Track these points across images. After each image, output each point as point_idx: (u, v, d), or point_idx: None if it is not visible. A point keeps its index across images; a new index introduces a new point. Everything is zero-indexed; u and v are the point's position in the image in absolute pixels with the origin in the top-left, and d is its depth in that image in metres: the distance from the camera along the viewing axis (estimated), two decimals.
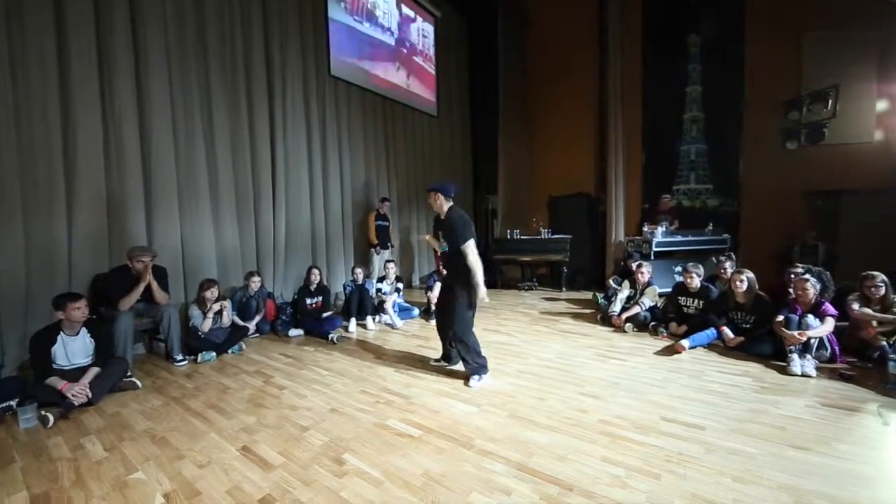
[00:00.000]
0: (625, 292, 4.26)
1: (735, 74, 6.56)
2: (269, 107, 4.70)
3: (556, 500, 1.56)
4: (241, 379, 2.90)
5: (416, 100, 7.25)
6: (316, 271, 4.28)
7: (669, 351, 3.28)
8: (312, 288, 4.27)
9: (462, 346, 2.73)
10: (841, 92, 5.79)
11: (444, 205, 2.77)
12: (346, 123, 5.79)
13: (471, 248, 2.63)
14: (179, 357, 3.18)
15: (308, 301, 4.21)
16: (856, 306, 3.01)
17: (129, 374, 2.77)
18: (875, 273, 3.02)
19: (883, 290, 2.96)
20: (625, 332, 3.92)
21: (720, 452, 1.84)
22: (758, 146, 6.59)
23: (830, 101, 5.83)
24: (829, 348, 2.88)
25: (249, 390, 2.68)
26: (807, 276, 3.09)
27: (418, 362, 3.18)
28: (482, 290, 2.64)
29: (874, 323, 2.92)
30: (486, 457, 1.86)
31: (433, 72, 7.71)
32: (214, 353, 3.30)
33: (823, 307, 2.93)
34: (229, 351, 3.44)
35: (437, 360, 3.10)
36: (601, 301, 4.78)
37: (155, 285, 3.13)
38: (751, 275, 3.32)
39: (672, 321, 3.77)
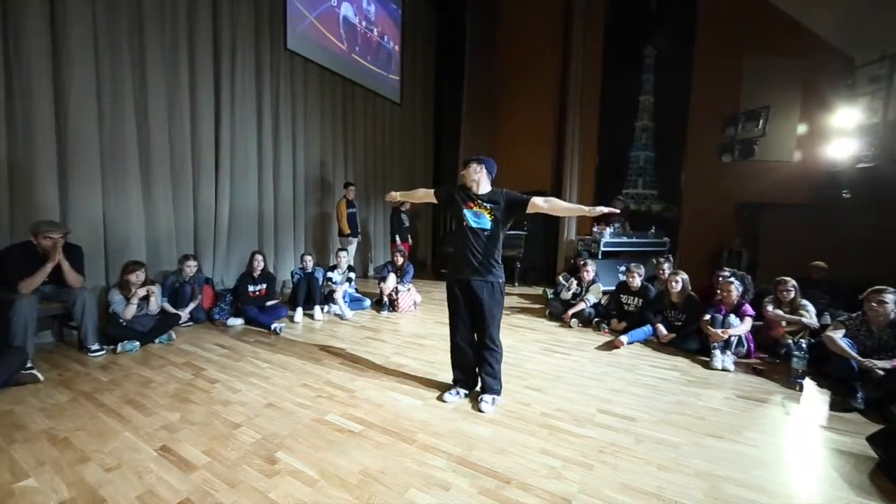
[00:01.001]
0: (571, 289, 4.42)
1: (683, 88, 6.99)
2: (214, 78, 4.32)
3: (493, 493, 1.57)
4: (167, 371, 2.65)
5: (380, 84, 7.02)
6: (259, 257, 4.02)
7: (609, 346, 3.45)
8: (256, 274, 4.02)
9: (493, 354, 2.29)
10: (771, 113, 6.35)
11: (482, 180, 2.30)
12: (303, 103, 5.47)
13: (541, 199, 2.26)
14: (94, 347, 2.85)
15: (250, 288, 3.96)
16: (770, 308, 3.34)
17: (28, 365, 2.43)
18: (787, 278, 3.36)
19: (793, 294, 3.29)
20: (571, 327, 4.07)
21: (648, 442, 1.95)
22: (698, 157, 7.10)
23: (761, 121, 6.39)
24: (745, 345, 3.17)
25: (175, 384, 2.46)
26: (731, 279, 3.36)
27: (365, 355, 3.09)
28: (595, 209, 2.20)
29: (783, 323, 3.25)
30: (428, 451, 1.84)
31: (399, 57, 7.49)
32: (138, 343, 3.00)
33: (743, 308, 3.21)
34: (156, 340, 3.14)
35: (457, 393, 2.37)
36: (550, 297, 4.93)
37: (66, 266, 2.77)
38: (685, 276, 3.57)
39: (614, 318, 3.97)
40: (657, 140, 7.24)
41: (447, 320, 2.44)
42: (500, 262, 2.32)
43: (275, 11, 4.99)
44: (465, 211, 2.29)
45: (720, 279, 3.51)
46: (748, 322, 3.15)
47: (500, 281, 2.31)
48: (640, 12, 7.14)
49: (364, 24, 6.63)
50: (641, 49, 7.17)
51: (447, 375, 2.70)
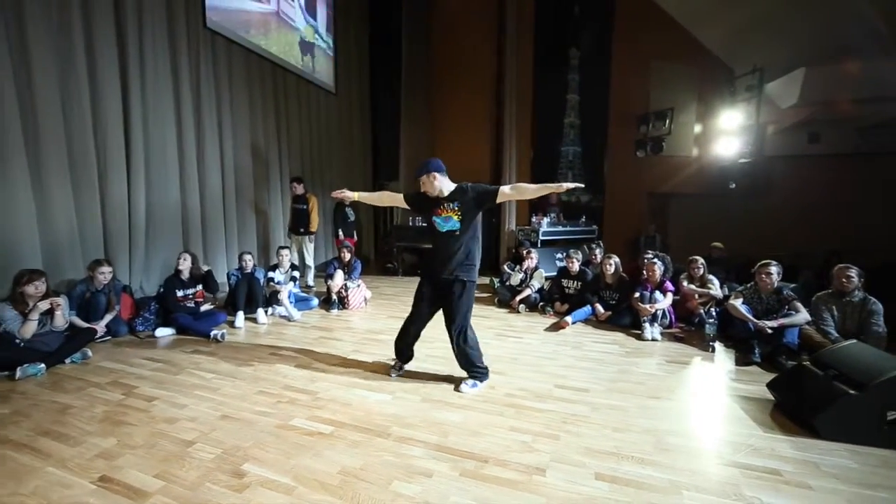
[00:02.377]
0: (517, 276, 4.67)
1: (603, 88, 7.67)
2: (119, 53, 3.73)
3: (474, 472, 1.64)
4: (89, 394, 2.30)
5: (314, 74, 6.64)
6: (187, 256, 3.63)
7: (556, 327, 3.72)
8: (185, 277, 3.62)
9: (468, 345, 2.40)
10: (675, 114, 7.24)
11: (442, 183, 2.31)
12: (228, 88, 4.98)
13: (508, 186, 2.36)
14: None
15: (180, 293, 3.56)
16: (685, 283, 3.86)
17: None
18: (696, 257, 3.92)
19: (702, 271, 3.85)
20: (519, 312, 4.31)
21: (603, 409, 2.17)
22: (618, 152, 7.86)
23: (668, 120, 7.25)
24: (668, 317, 3.64)
25: (103, 406, 2.15)
26: (655, 260, 3.82)
27: (322, 355, 2.97)
28: (562, 185, 2.24)
29: (696, 296, 3.78)
30: (404, 443, 1.85)
31: (332, 44, 7.14)
32: (43, 366, 2.54)
33: (665, 285, 3.67)
34: (67, 360, 2.69)
35: (398, 369, 2.62)
36: (497, 285, 5.15)
37: None
38: (617, 259, 3.97)
39: (557, 301, 4.28)
40: (583, 136, 7.88)
41: (402, 314, 2.50)
42: (474, 262, 2.39)
43: None
44: (435, 218, 2.37)
45: (645, 260, 3.95)
46: (669, 297, 3.61)
47: (472, 280, 2.39)
48: (565, 14, 7.65)
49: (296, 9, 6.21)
50: (567, 51, 7.71)
51: (410, 367, 2.72)
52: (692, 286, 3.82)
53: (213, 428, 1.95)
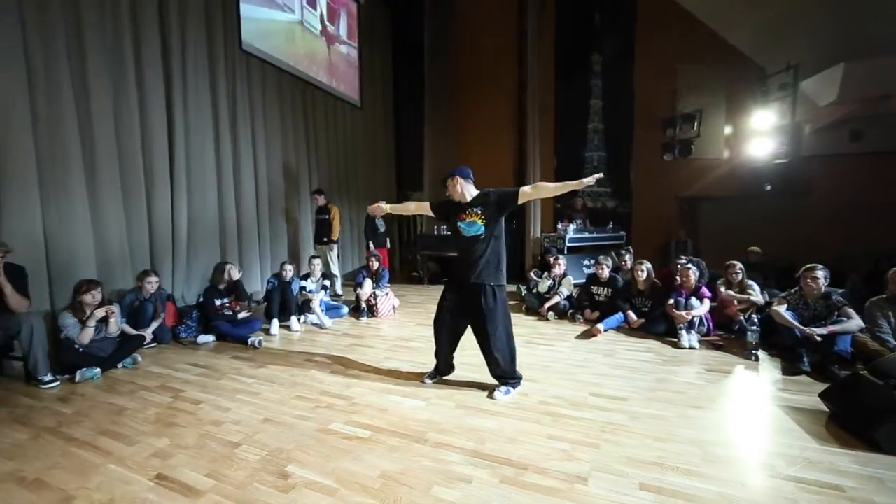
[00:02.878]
0: (545, 283, 4.62)
1: (627, 92, 7.57)
2: (164, 79, 3.99)
3: (513, 480, 1.63)
4: (141, 397, 2.43)
5: (340, 88, 6.87)
6: (229, 267, 3.79)
7: (587, 335, 3.66)
8: (222, 287, 3.78)
9: (506, 356, 2.42)
10: (704, 116, 7.06)
11: (466, 188, 2.39)
12: (262, 105, 5.23)
13: (529, 186, 2.38)
14: (47, 377, 2.54)
15: (217, 302, 3.71)
16: (722, 289, 3.72)
17: None
18: (735, 262, 3.77)
19: (740, 276, 3.70)
20: (547, 320, 4.26)
21: (642, 419, 2.11)
22: (644, 156, 7.72)
23: (696, 123, 7.08)
24: (706, 325, 3.51)
25: (155, 409, 2.27)
26: (689, 265, 3.70)
27: (355, 361, 3.03)
28: (582, 181, 2.22)
29: (735, 302, 3.64)
30: (441, 448, 1.86)
31: (357, 61, 7.39)
32: (99, 370, 2.71)
33: (701, 291, 3.55)
34: (119, 365, 2.86)
35: (432, 377, 2.62)
36: (524, 293, 5.11)
37: (9, 289, 2.45)
38: (649, 265, 3.88)
39: (587, 308, 4.21)
40: (608, 141, 7.76)
41: (426, 322, 2.54)
42: (502, 267, 2.40)
43: (228, 10, 4.74)
44: (459, 223, 2.42)
45: (679, 266, 3.84)
46: (707, 303, 3.49)
47: (501, 285, 2.40)
48: (586, 23, 7.64)
49: (322, 28, 6.48)
50: (589, 56, 7.67)
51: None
52: (730, 292, 3.68)
53: (257, 431, 2.02)
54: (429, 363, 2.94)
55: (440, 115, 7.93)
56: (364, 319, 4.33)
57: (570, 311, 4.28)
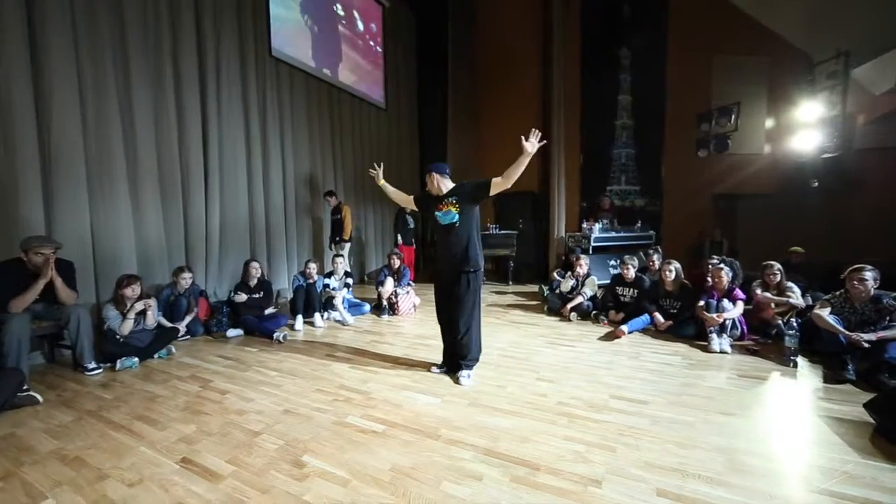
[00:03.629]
0: (568, 283, 4.52)
1: (658, 86, 7.28)
2: (200, 86, 4.23)
3: (525, 479, 1.60)
4: (173, 385, 2.58)
5: (365, 90, 7.02)
6: (255, 265, 3.95)
7: (611, 336, 3.54)
8: (252, 284, 3.94)
9: (470, 339, 2.58)
10: (741, 109, 6.68)
11: (441, 182, 2.60)
12: (290, 109, 5.42)
13: (500, 177, 2.46)
14: (91, 365, 2.74)
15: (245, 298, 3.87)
16: (759, 291, 3.50)
17: (25, 387, 2.32)
18: (773, 263, 3.54)
19: (778, 277, 3.47)
20: (570, 320, 4.16)
21: (664, 423, 2.03)
22: (676, 153, 7.39)
23: (733, 116, 6.71)
24: (739, 328, 3.32)
25: (184, 397, 2.40)
26: (721, 265, 3.52)
27: (374, 358, 3.08)
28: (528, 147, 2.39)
29: (773, 304, 3.42)
30: (454, 445, 1.85)
31: (381, 63, 7.52)
32: (137, 359, 2.90)
33: (735, 292, 3.36)
34: (155, 356, 3.04)
35: (440, 369, 2.74)
36: (547, 293, 5.02)
37: (59, 282, 2.66)
38: (678, 265, 3.71)
39: (611, 309, 4.08)
40: (637, 137, 7.50)
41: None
42: (472, 252, 2.54)
43: (258, 19, 4.95)
44: (437, 213, 2.61)
45: (710, 266, 3.65)
46: (740, 305, 3.30)
47: (474, 270, 2.55)
48: (614, 17, 7.42)
49: (348, 31, 6.63)
50: (617, 51, 7.44)
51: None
52: (767, 294, 3.46)
53: (277, 421, 2.09)
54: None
55: (462, 116, 7.92)
56: (385, 317, 4.39)
57: (594, 311, 4.17)
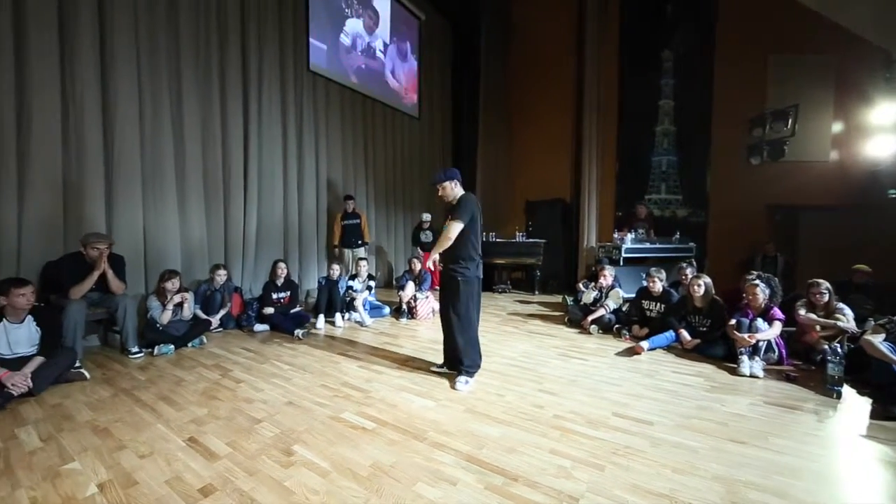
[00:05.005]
0: (591, 295, 4.36)
1: (705, 90, 6.85)
2: (243, 96, 4.63)
3: (500, 489, 1.58)
4: (198, 372, 2.82)
5: (398, 101, 7.27)
6: (282, 265, 4.21)
7: (630, 352, 3.37)
8: (279, 283, 4.20)
9: (459, 346, 2.63)
10: (800, 112, 6.10)
11: (453, 191, 2.67)
12: (325, 120, 5.75)
13: (453, 227, 2.53)
14: (135, 349, 3.07)
15: (274, 296, 4.13)
16: (802, 312, 3.17)
17: (77, 364, 2.65)
18: (820, 281, 3.19)
19: (827, 297, 3.12)
20: (590, 333, 4.00)
21: (665, 446, 1.90)
22: (724, 160, 6.88)
23: (790, 120, 6.15)
24: (776, 351, 3.02)
25: (205, 383, 2.61)
26: (756, 281, 3.23)
27: (384, 358, 3.16)
28: (435, 253, 2.65)
29: (818, 328, 3.08)
30: (438, 449, 1.87)
31: (416, 73, 7.75)
32: (172, 346, 3.20)
33: (772, 311, 3.07)
34: (189, 344, 3.34)
35: (440, 367, 2.86)
36: (570, 304, 4.86)
37: (111, 274, 3.02)
38: (708, 280, 3.46)
39: (635, 323, 3.87)
40: (679, 144, 7.08)
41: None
42: (459, 257, 2.61)
43: (298, 37, 5.32)
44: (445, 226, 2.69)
45: (746, 282, 3.37)
46: (777, 326, 3.00)
47: (456, 275, 2.61)
48: (656, 18, 7.10)
49: (383, 44, 6.93)
50: (659, 54, 7.11)
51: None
52: (812, 315, 3.12)
53: (278, 411, 2.22)
54: None
55: (494, 124, 7.94)
56: (403, 321, 4.48)
57: (616, 325, 3.98)
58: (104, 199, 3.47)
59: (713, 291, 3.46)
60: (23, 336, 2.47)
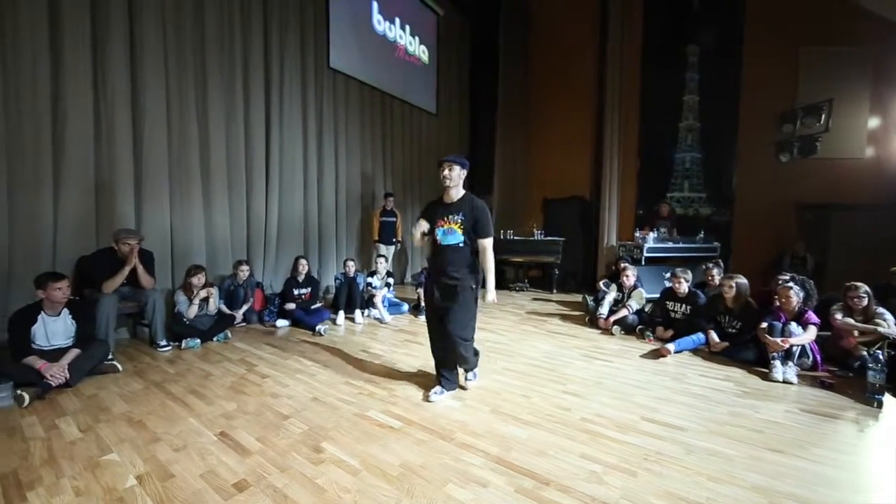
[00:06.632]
0: (612, 295, 4.28)
1: (732, 85, 6.63)
2: (265, 95, 4.68)
3: (531, 493, 1.56)
4: (224, 366, 2.87)
5: (416, 97, 7.24)
6: (303, 261, 4.25)
7: (655, 354, 3.30)
8: (300, 279, 4.25)
9: (465, 348, 2.35)
10: (834, 107, 5.85)
11: (458, 181, 2.33)
12: (344, 116, 5.77)
13: (491, 245, 2.35)
14: (163, 343, 3.14)
15: (295, 292, 4.18)
16: (839, 316, 3.05)
17: (110, 357, 2.73)
18: (858, 284, 3.06)
19: (865, 301, 2.99)
20: (612, 334, 3.94)
21: (699, 453, 1.85)
22: (752, 157, 6.66)
23: (824, 116, 5.91)
24: (811, 356, 2.91)
25: (231, 377, 2.66)
26: (790, 284, 3.12)
27: (405, 356, 3.17)
28: (493, 292, 2.39)
29: (856, 333, 2.96)
30: (465, 450, 1.86)
31: (435, 70, 7.71)
32: (199, 340, 3.27)
33: (806, 315, 2.96)
34: (214, 339, 3.40)
35: (439, 393, 2.40)
36: (591, 303, 4.79)
37: (141, 269, 3.09)
38: (742, 280, 3.34)
39: (659, 325, 3.79)
40: (704, 141, 6.88)
41: (481, 325, 2.60)
42: (473, 269, 2.35)
43: (319, 35, 5.34)
44: (437, 230, 2.35)
45: (780, 284, 3.25)
46: (812, 331, 2.89)
47: (474, 287, 2.35)
48: (681, 11, 6.89)
49: (401, 39, 6.90)
50: (684, 48, 6.90)
51: (483, 379, 2.72)
52: (849, 320, 3.00)
53: (305, 407, 2.24)
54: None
55: (512, 120, 7.84)
56: (422, 318, 4.47)
57: (640, 326, 3.90)
58: (133, 197, 3.55)
59: (748, 293, 3.35)
60: (59, 329, 2.55)
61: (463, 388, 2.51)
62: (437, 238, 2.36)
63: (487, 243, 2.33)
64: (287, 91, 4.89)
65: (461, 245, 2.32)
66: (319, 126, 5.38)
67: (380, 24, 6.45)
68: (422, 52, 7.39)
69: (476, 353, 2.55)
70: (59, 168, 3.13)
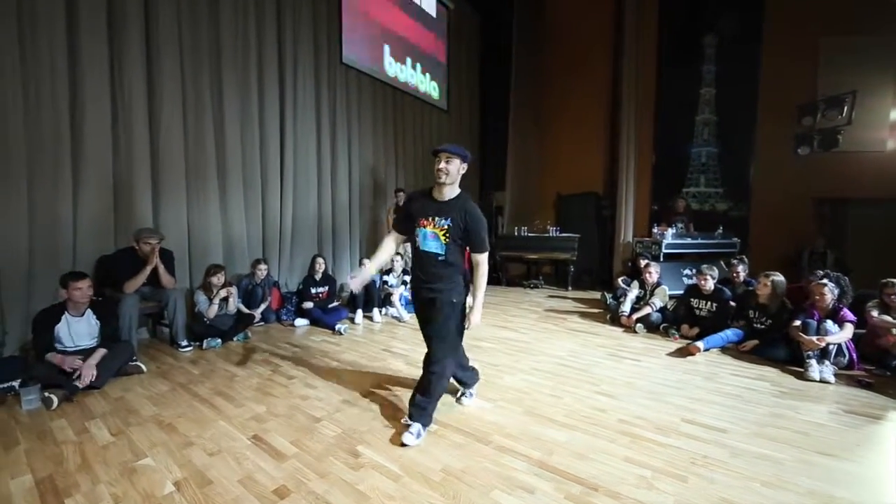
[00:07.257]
0: (634, 292, 4.21)
1: (750, 77, 6.49)
2: (279, 93, 4.62)
3: (580, 499, 1.51)
4: (248, 367, 2.83)
5: (427, 93, 7.15)
6: (320, 260, 4.21)
7: (683, 352, 3.23)
8: (317, 277, 4.21)
9: (439, 380, 1.97)
10: (858, 98, 5.71)
11: (455, 176, 1.98)
12: (357, 113, 5.70)
13: (485, 260, 1.99)
14: (184, 343, 3.12)
15: (312, 291, 4.15)
16: (875, 313, 2.97)
17: (134, 357, 2.70)
18: (894, 280, 2.98)
19: None
20: (635, 332, 3.87)
21: (745, 456, 1.79)
22: (769, 151, 6.53)
23: (846, 108, 5.75)
24: (847, 355, 2.84)
25: (257, 379, 2.63)
26: (825, 280, 3.03)
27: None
28: (479, 312, 2.02)
29: (893, 331, 2.88)
30: (505, 453, 1.81)
31: (446, 65, 7.61)
32: (220, 340, 3.24)
33: (842, 313, 2.88)
34: (235, 339, 3.37)
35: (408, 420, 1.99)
36: (610, 301, 4.72)
37: (162, 269, 3.06)
38: (779, 278, 3.26)
39: (683, 323, 3.72)
40: (721, 134, 6.76)
41: (501, 323, 2.46)
42: (465, 284, 2.02)
43: (332, 31, 5.27)
44: (418, 230, 1.98)
45: (812, 281, 3.17)
46: (849, 329, 2.82)
47: (460, 303, 1.99)
48: (698, 2, 6.75)
49: (413, 34, 6.81)
50: (701, 40, 6.76)
51: (511, 378, 2.68)
52: (886, 317, 2.92)
53: (337, 409, 2.20)
54: (500, 364, 2.94)
55: (525, 113, 7.74)
56: None
57: (664, 325, 3.83)
58: (151, 196, 3.51)
59: (784, 292, 3.26)
60: (83, 329, 2.52)
61: (403, 443, 1.85)
62: (417, 240, 1.99)
63: (482, 259, 1.96)
64: (301, 89, 4.83)
65: (440, 256, 1.93)
66: (332, 123, 5.32)
67: (392, 18, 6.35)
68: (433, 46, 7.29)
69: (475, 372, 2.32)
70: (77, 169, 3.09)
